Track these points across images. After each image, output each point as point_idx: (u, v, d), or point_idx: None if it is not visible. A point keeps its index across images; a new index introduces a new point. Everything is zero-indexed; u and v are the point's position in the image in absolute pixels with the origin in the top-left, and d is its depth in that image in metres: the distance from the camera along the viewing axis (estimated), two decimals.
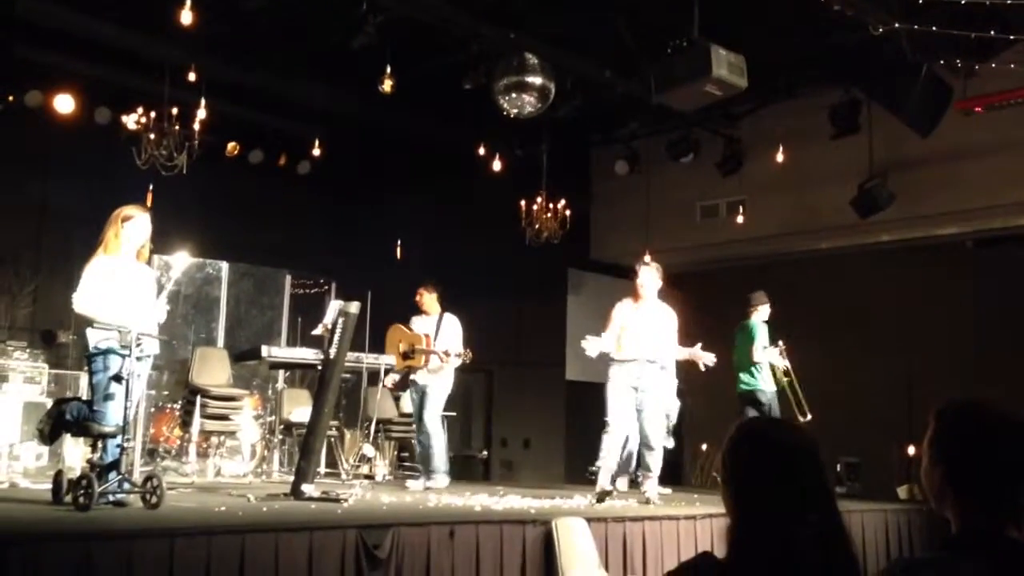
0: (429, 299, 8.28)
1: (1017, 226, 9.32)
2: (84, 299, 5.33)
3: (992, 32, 7.40)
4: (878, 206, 9.10)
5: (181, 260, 6.07)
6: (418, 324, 8.24)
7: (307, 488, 6.13)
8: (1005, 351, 9.36)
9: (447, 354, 7.91)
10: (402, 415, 9.83)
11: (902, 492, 8.93)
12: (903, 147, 8.91)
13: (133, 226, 5.51)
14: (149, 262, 5.65)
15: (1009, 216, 9.13)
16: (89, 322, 5.32)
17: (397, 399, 9.94)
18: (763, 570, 1.81)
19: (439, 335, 8.13)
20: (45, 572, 3.48)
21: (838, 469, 9.40)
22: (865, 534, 7.29)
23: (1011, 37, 7.58)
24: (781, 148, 9.71)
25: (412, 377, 8.15)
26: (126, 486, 5.10)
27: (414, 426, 8.24)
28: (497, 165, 10.02)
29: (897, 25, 7.33)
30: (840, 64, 8.65)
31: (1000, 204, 8.90)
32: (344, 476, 8.66)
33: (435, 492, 7.41)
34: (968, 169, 8.86)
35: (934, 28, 7.25)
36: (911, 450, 9.04)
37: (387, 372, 8.27)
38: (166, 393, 9.40)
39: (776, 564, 1.80)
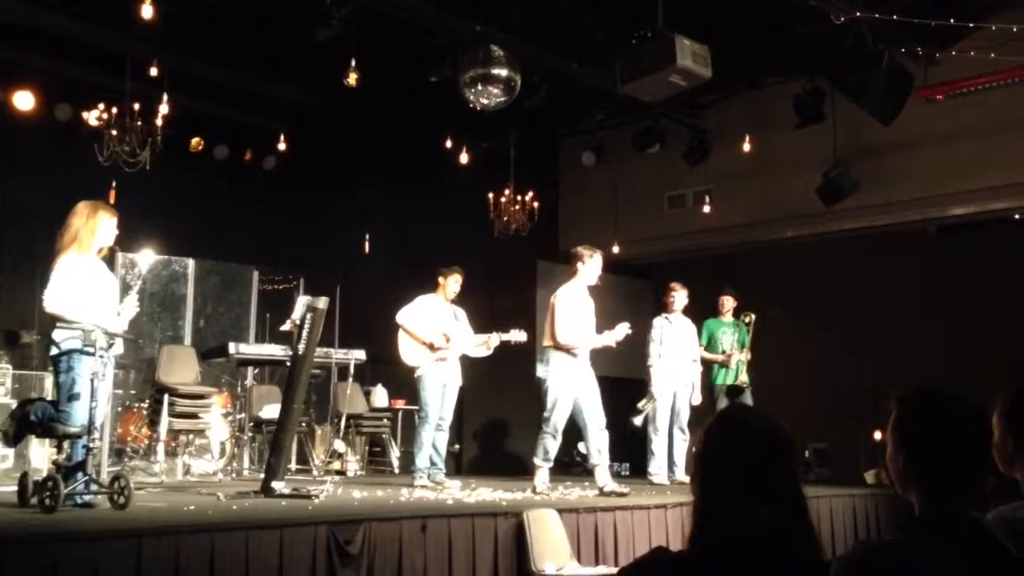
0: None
1: (979, 212, 9.43)
2: (56, 298, 5.23)
3: (952, 20, 7.49)
4: (842, 194, 9.18)
5: (146, 257, 6.01)
6: (442, 308, 7.82)
7: (277, 485, 6.10)
8: (970, 336, 9.48)
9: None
10: (373, 410, 9.80)
11: (869, 477, 9.04)
12: (867, 135, 8.99)
13: (107, 227, 5.45)
14: (112, 260, 5.57)
15: (972, 202, 9.23)
16: (58, 321, 5.23)
17: (367, 394, 9.91)
18: (722, 561, 1.79)
19: (459, 320, 7.90)
20: (11, 575, 3.44)
21: (806, 455, 9.50)
22: (833, 519, 7.38)
23: (971, 24, 7.69)
24: (747, 138, 9.77)
25: (445, 372, 7.72)
26: (93, 487, 5.04)
27: (439, 423, 7.63)
28: (464, 158, 9.99)
29: (858, 14, 7.40)
30: (803, 54, 8.72)
31: (963, 191, 9.00)
32: (315, 472, 8.63)
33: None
34: (930, 156, 8.96)
35: (895, 16, 7.33)
36: (877, 436, 9.15)
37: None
38: (133, 392, 9.28)
39: (736, 555, 1.79)
